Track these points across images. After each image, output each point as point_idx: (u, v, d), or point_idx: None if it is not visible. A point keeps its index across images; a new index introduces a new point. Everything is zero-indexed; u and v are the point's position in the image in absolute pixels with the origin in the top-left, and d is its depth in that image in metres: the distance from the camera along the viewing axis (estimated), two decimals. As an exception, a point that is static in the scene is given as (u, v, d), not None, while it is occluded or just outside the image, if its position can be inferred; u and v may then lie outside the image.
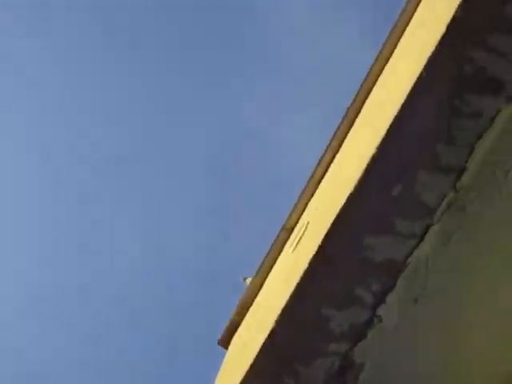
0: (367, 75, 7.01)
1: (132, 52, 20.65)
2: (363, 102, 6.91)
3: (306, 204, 7.24)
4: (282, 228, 7.62)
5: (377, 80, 7.02)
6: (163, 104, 21.20)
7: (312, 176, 7.38)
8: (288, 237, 7.32)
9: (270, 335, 2.97)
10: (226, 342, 7.43)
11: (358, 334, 2.95)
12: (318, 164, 7.23)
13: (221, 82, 21.27)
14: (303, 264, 3.05)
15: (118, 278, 21.14)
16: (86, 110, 20.82)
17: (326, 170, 7.06)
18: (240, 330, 7.02)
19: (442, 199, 2.78)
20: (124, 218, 21.16)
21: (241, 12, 20.74)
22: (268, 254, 7.62)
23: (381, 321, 2.93)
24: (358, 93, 7.04)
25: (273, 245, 7.61)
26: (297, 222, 7.28)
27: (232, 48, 20.93)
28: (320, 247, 2.85)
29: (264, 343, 2.98)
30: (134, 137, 22.13)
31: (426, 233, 2.82)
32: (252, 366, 3.01)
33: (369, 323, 2.94)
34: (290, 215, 7.60)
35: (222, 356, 7.19)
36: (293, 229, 7.30)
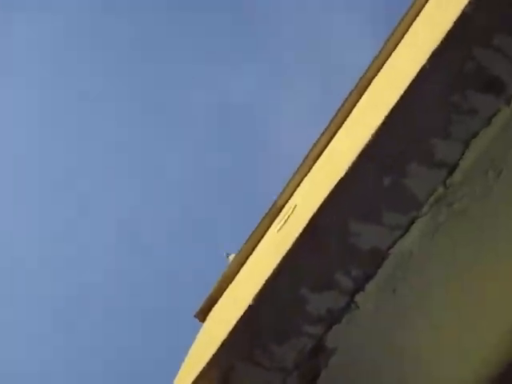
0: (370, 65, 6.97)
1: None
2: (364, 90, 6.89)
3: (297, 185, 7.23)
4: (271, 208, 7.62)
5: (379, 70, 6.99)
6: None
7: (305, 158, 7.36)
8: (276, 217, 7.33)
9: (246, 312, 2.97)
10: (202, 315, 7.46)
11: (333, 318, 2.96)
12: (313, 146, 7.21)
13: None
14: (287, 244, 3.06)
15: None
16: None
17: (321, 154, 7.04)
18: (217, 305, 7.04)
19: (431, 194, 2.78)
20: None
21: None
22: (253, 232, 7.63)
23: (357, 307, 2.94)
24: (359, 80, 7.01)
25: (259, 224, 7.61)
26: (286, 203, 7.28)
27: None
28: (305, 229, 2.85)
29: (239, 319, 2.99)
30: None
31: (411, 225, 2.82)
32: (225, 341, 3.02)
33: (345, 309, 2.95)
34: (280, 195, 7.59)
35: (197, 328, 7.23)
36: (281, 209, 7.31)
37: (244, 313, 2.98)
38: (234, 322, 3.07)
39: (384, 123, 2.70)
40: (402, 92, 2.70)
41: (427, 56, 2.70)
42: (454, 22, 2.66)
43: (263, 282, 2.97)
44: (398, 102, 2.69)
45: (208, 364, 3.06)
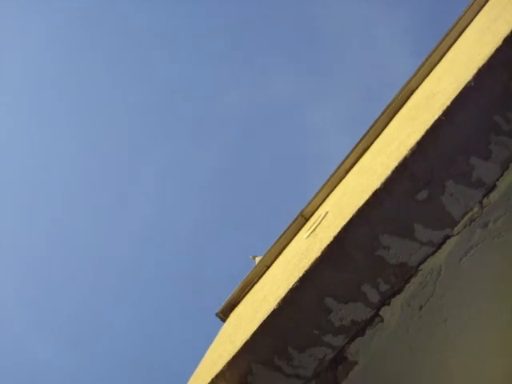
0: (412, 77, 6.92)
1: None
2: (404, 102, 6.84)
3: (329, 194, 7.20)
4: (300, 214, 7.61)
5: (421, 83, 6.93)
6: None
7: (338, 167, 7.33)
8: (304, 223, 7.31)
9: (269, 315, 2.96)
10: (224, 314, 7.47)
11: (356, 330, 2.93)
12: (348, 156, 7.18)
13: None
14: (316, 251, 3.04)
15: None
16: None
17: (354, 164, 7.00)
18: (240, 306, 7.05)
19: (467, 213, 2.74)
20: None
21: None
22: (281, 236, 7.62)
23: (382, 321, 2.91)
24: (399, 92, 6.96)
25: (287, 228, 7.61)
26: (316, 210, 7.26)
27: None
28: (336, 238, 2.83)
29: (262, 322, 2.98)
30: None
31: (443, 243, 2.78)
32: (246, 343, 3.02)
33: (369, 322, 2.92)
34: (310, 202, 7.58)
35: (218, 327, 7.24)
36: (310, 216, 7.28)
37: (267, 316, 2.97)
38: (256, 324, 3.06)
39: (424, 138, 2.67)
40: (444, 108, 2.66)
41: (473, 73, 2.66)
42: (503, 41, 2.62)
43: (289, 287, 2.96)
44: (439, 117, 2.65)
45: (227, 365, 3.05)
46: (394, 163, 2.80)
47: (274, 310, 2.95)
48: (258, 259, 7.95)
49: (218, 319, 7.59)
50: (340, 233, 2.84)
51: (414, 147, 2.69)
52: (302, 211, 7.59)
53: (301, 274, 2.92)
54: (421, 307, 2.91)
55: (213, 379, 3.08)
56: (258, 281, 7.29)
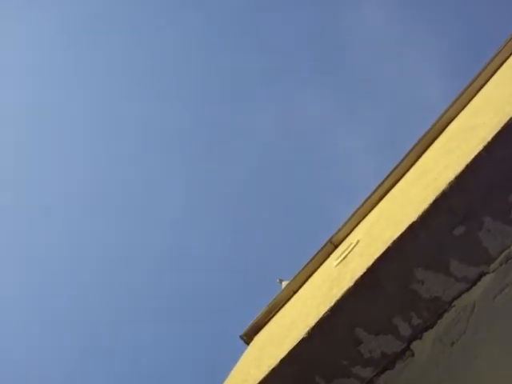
0: (449, 106, 6.89)
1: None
2: (439, 133, 6.81)
3: (359, 221, 7.17)
4: (329, 240, 7.58)
5: (457, 115, 6.90)
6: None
7: (371, 195, 7.30)
8: (333, 250, 7.27)
9: (298, 343, 2.95)
10: (248, 337, 7.44)
11: (386, 363, 2.90)
12: (381, 184, 7.15)
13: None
14: (348, 281, 3.02)
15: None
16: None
17: (387, 193, 6.97)
18: (265, 329, 7.01)
19: (504, 250, 2.70)
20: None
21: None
22: (309, 262, 7.59)
23: (412, 355, 2.88)
24: (436, 122, 6.94)
25: (316, 254, 7.57)
26: (345, 238, 7.22)
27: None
28: (369, 269, 2.81)
29: (291, 349, 2.97)
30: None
31: (479, 279, 2.74)
32: (274, 369, 3.01)
33: (400, 355, 2.89)
34: (340, 229, 7.55)
35: (242, 349, 7.21)
36: (340, 243, 7.25)
37: (296, 344, 2.95)
38: (284, 351, 3.04)
39: (464, 172, 2.65)
40: (485, 143, 2.65)
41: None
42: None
43: (320, 316, 2.94)
44: (480, 152, 2.63)
45: (254, 390, 3.05)
46: (431, 196, 2.78)
47: (304, 337, 2.93)
48: (284, 283, 7.92)
49: (242, 342, 7.56)
50: (374, 264, 2.83)
51: (452, 181, 2.67)
52: (331, 237, 7.56)
53: (332, 304, 2.91)
54: (452, 343, 2.87)
55: (238, 404, 3.07)
56: (284, 305, 7.26)
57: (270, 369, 3.03)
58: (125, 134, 22.33)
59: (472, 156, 2.69)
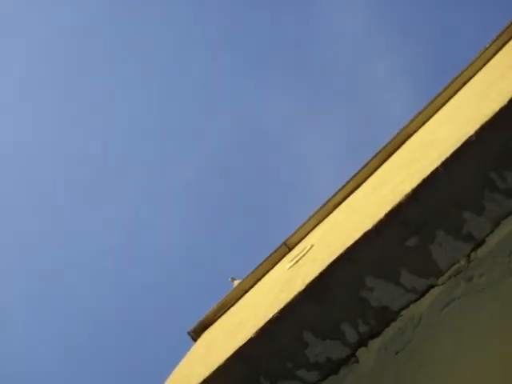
0: (412, 120, 7.00)
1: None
2: (400, 145, 6.91)
3: (315, 226, 7.22)
4: (283, 243, 7.62)
5: (419, 128, 7.01)
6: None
7: (327, 201, 7.37)
8: (287, 252, 7.31)
9: (246, 343, 2.95)
10: (196, 334, 7.42)
11: (331, 368, 2.92)
12: (338, 191, 7.22)
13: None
14: (299, 285, 3.04)
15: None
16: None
17: (343, 200, 7.04)
18: (214, 327, 7.01)
19: (453, 264, 2.76)
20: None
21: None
22: (262, 262, 7.62)
23: (357, 362, 2.91)
24: (397, 134, 7.04)
25: (269, 256, 7.61)
26: (300, 241, 7.27)
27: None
28: (321, 273, 2.83)
29: (238, 349, 2.97)
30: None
31: (427, 291, 2.79)
32: (219, 367, 3.00)
33: (345, 361, 2.92)
34: (295, 233, 7.59)
35: (188, 345, 7.18)
36: (294, 246, 7.29)
37: (243, 344, 2.96)
38: (231, 350, 3.04)
39: (420, 186, 2.69)
40: (443, 158, 2.69)
41: (476, 128, 2.70)
42: (508, 102, 2.66)
43: (268, 317, 2.95)
44: (438, 167, 2.68)
45: (198, 387, 3.04)
46: (387, 207, 2.82)
47: (251, 338, 2.94)
48: (236, 282, 7.93)
49: (189, 338, 7.53)
50: (326, 269, 2.85)
51: (409, 194, 2.71)
52: (285, 240, 7.60)
53: (282, 306, 2.92)
54: (397, 352, 2.91)
55: (181, 400, 3.05)
56: (234, 304, 7.27)
57: (216, 367, 3.02)
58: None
59: (429, 170, 2.74)
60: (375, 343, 2.88)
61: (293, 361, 2.92)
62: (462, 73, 7.17)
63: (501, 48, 6.72)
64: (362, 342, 2.88)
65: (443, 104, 7.11)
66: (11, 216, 22.48)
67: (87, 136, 22.41)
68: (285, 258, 6.94)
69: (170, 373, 5.36)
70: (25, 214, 22.51)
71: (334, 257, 2.85)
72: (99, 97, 22.16)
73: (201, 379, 3.06)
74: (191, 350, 6.39)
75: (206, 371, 3.14)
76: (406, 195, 2.72)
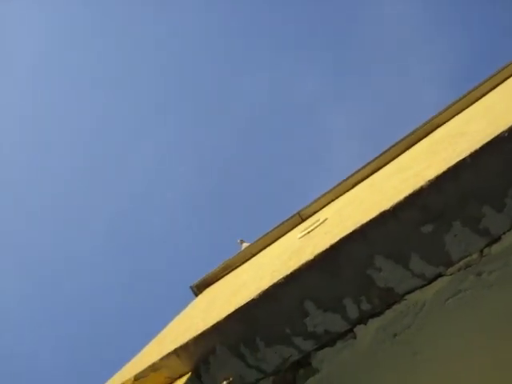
0: (444, 109, 6.92)
1: None
2: (428, 133, 6.84)
3: (331, 201, 7.21)
4: (297, 213, 7.63)
5: (449, 120, 6.93)
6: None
7: (348, 178, 7.34)
8: (300, 223, 7.32)
9: (247, 303, 2.98)
10: (198, 289, 7.50)
11: (327, 340, 2.95)
12: (359, 169, 7.18)
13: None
14: (308, 254, 3.04)
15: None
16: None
17: (365, 178, 7.01)
18: (217, 285, 7.07)
19: (465, 257, 2.74)
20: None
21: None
22: (274, 229, 7.64)
23: (354, 338, 2.93)
24: (427, 121, 6.96)
25: (282, 223, 7.63)
26: (314, 214, 7.27)
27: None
28: (332, 246, 2.83)
29: (238, 308, 2.99)
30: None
31: (435, 279, 2.79)
32: (218, 323, 3.04)
33: (342, 335, 2.93)
34: (310, 204, 7.59)
35: (189, 300, 7.27)
36: (308, 217, 7.30)
37: (245, 304, 2.98)
38: (231, 308, 3.07)
39: (445, 174, 2.66)
40: (472, 150, 2.66)
41: (509, 124, 2.65)
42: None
43: (273, 281, 2.97)
44: (465, 158, 2.64)
45: (194, 339, 3.08)
46: (408, 190, 2.80)
47: (253, 299, 2.96)
48: (245, 245, 7.97)
49: (191, 292, 7.62)
50: (337, 243, 2.84)
51: (432, 180, 2.68)
52: (299, 211, 7.61)
53: (288, 272, 2.93)
54: (395, 335, 2.93)
55: (176, 349, 3.10)
56: (240, 265, 7.32)
57: (215, 322, 3.06)
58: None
59: (456, 160, 2.71)
60: (375, 322, 2.89)
61: (291, 327, 2.94)
62: (501, 70, 7.06)
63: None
64: (362, 320, 2.90)
65: (478, 99, 7.02)
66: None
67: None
68: (297, 228, 6.95)
69: (167, 324, 5.44)
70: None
71: (347, 232, 2.84)
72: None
73: (198, 332, 3.10)
74: (192, 304, 6.46)
75: (204, 326, 3.17)
76: (428, 181, 2.69)
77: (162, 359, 3.13)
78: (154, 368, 3.14)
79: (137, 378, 3.16)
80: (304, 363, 3.04)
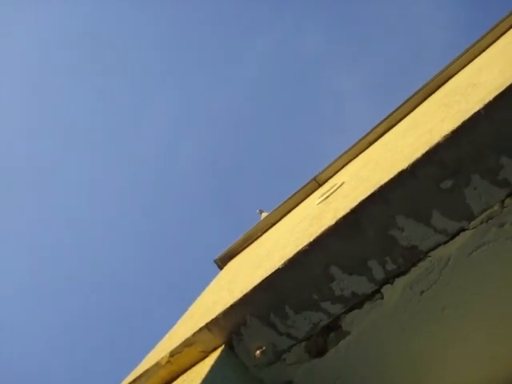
0: (454, 60, 6.83)
1: None
2: (439, 86, 6.77)
3: (346, 163, 7.20)
4: (313, 178, 7.62)
5: (459, 71, 6.84)
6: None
7: (361, 139, 7.31)
8: (317, 188, 7.32)
9: (273, 273, 3.01)
10: (222, 262, 7.56)
11: (355, 302, 2.98)
12: (372, 129, 7.14)
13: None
14: (329, 219, 3.06)
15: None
16: None
17: (379, 138, 6.97)
18: (240, 256, 7.12)
19: (486, 209, 2.74)
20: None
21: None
22: (291, 197, 7.65)
23: (382, 298, 2.95)
24: (437, 74, 6.89)
25: (299, 190, 7.63)
26: (330, 178, 7.26)
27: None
28: (352, 210, 2.84)
29: (265, 278, 3.02)
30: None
31: (457, 234, 2.79)
32: (246, 295, 3.07)
33: (370, 297, 2.96)
34: (326, 169, 7.58)
35: (214, 273, 7.34)
36: (324, 182, 7.29)
37: (271, 273, 3.01)
38: (258, 279, 3.10)
39: (460, 128, 2.65)
40: (486, 101, 2.64)
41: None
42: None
43: (297, 249, 2.99)
44: (479, 110, 2.63)
45: (223, 313, 3.12)
46: (424, 147, 2.79)
47: (279, 268, 2.99)
48: (264, 214, 8.00)
49: (216, 266, 7.68)
50: (357, 206, 2.86)
51: (448, 134, 2.67)
52: (316, 176, 7.60)
53: (311, 239, 2.95)
54: (422, 292, 2.95)
55: (207, 324, 3.14)
56: (261, 236, 7.36)
57: (242, 294, 3.09)
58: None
59: (470, 113, 2.69)
60: (401, 281, 2.92)
61: (318, 293, 2.97)
62: (510, 14, 6.93)
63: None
64: (388, 280, 2.92)
65: (489, 45, 6.92)
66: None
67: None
68: (314, 194, 6.95)
69: (195, 299, 5.51)
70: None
71: (367, 194, 2.85)
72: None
73: (227, 305, 3.14)
74: (217, 277, 6.52)
75: (232, 298, 3.21)
76: (444, 136, 2.68)
77: (194, 334, 3.18)
78: (187, 343, 3.20)
79: (172, 354, 3.22)
80: (334, 327, 3.08)
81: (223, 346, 3.13)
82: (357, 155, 7.22)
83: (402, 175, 2.74)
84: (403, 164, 2.80)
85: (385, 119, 7.10)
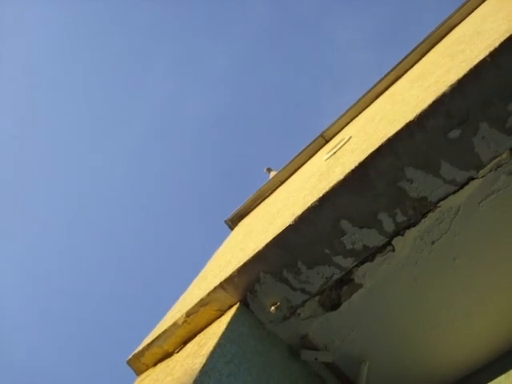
0: (457, 9, 6.73)
1: None
2: (444, 36, 6.68)
3: (353, 118, 7.16)
4: (320, 134, 7.59)
5: (463, 19, 6.75)
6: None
7: (367, 93, 7.25)
8: (324, 144, 7.30)
9: (284, 230, 3.03)
10: (233, 222, 7.60)
11: (367, 255, 3.01)
12: (378, 82, 7.08)
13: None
14: (338, 174, 3.07)
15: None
16: None
17: (385, 91, 6.92)
18: (250, 216, 7.15)
19: (494, 157, 2.74)
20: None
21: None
22: (299, 154, 7.63)
23: (393, 250, 2.98)
24: (441, 24, 6.79)
25: (306, 147, 7.61)
26: (337, 133, 7.23)
27: None
28: (361, 164, 2.85)
29: (277, 235, 3.05)
30: None
31: (466, 184, 2.80)
32: (259, 252, 3.10)
33: (381, 249, 2.99)
34: (332, 124, 7.54)
35: (225, 234, 7.39)
36: (331, 138, 7.27)
37: (282, 230, 3.04)
38: (269, 236, 3.13)
39: (466, 76, 2.63)
40: (491, 49, 2.61)
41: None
42: None
43: (307, 205, 3.00)
44: (485, 58, 2.60)
45: (237, 271, 3.15)
46: (430, 97, 2.78)
47: (290, 225, 3.01)
48: (272, 173, 8.00)
49: (226, 227, 7.72)
50: (366, 159, 2.86)
51: (454, 84, 2.66)
52: (322, 132, 7.56)
53: (321, 195, 2.96)
54: (433, 242, 2.97)
55: (221, 283, 3.18)
56: (270, 194, 7.37)
57: (255, 252, 3.13)
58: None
59: (476, 61, 2.67)
60: (412, 232, 2.94)
61: (330, 247, 3.00)
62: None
63: None
64: (399, 232, 2.94)
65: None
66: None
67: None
68: (322, 150, 6.93)
69: (208, 259, 5.56)
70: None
71: (375, 147, 2.85)
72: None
73: (241, 263, 3.17)
74: (229, 237, 6.57)
75: (245, 256, 3.25)
76: (450, 86, 2.67)
77: (209, 294, 3.23)
78: (202, 303, 3.25)
79: (188, 314, 3.27)
80: (347, 280, 3.11)
81: (238, 303, 3.18)
82: (363, 109, 7.17)
83: (409, 127, 2.74)
84: (410, 116, 2.79)
85: (390, 71, 7.03)
